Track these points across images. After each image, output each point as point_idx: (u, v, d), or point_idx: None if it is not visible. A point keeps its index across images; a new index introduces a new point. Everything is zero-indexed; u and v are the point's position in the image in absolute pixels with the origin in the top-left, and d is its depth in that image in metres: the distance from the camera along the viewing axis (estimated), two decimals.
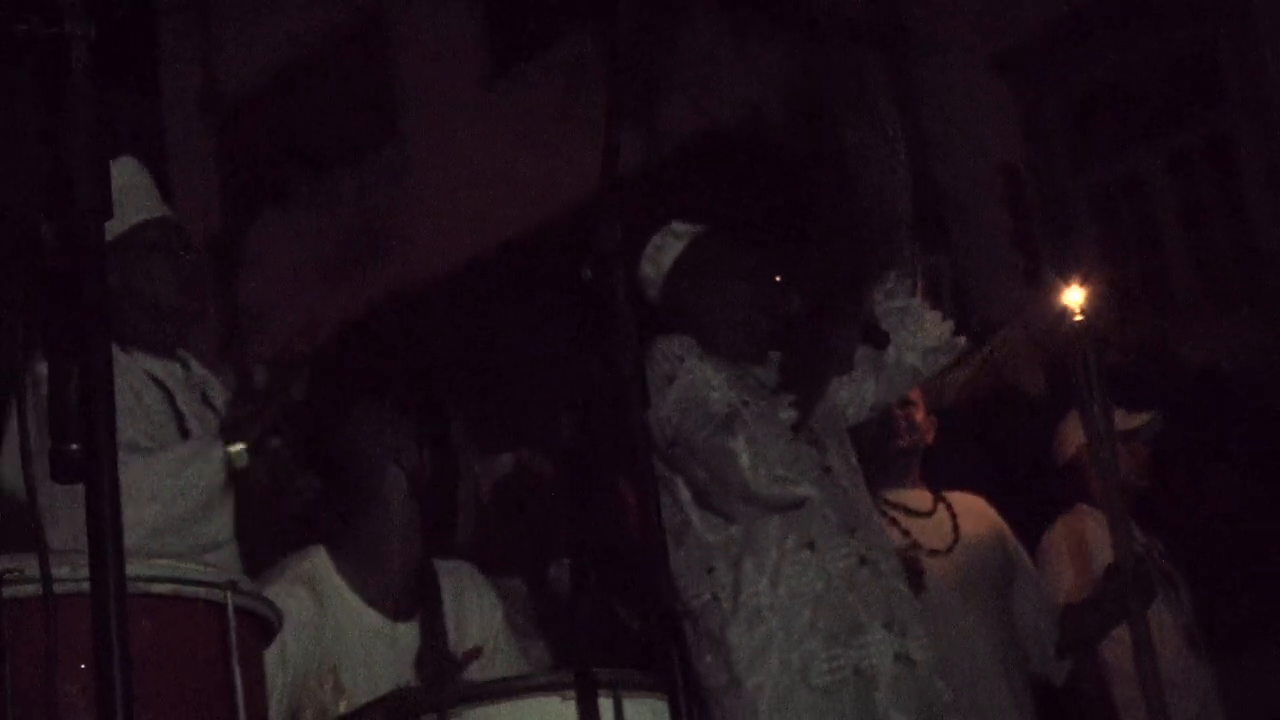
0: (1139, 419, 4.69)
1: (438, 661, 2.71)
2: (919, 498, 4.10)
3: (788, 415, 3.27)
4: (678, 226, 3.55)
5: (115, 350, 2.98)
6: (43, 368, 1.55)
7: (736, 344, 3.43)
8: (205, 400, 2.97)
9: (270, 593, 2.23)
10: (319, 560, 2.72)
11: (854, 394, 3.54)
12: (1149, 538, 4.59)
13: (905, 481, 4.09)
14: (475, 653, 2.76)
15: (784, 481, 3.23)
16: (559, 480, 3.53)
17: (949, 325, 3.56)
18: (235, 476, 2.66)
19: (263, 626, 1.96)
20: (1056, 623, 4.08)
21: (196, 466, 2.65)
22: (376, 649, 2.67)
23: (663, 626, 2.05)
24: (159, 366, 2.97)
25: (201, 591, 1.78)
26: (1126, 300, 7.28)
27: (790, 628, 3.22)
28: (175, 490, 2.62)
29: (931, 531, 4.02)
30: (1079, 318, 4.00)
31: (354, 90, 10.81)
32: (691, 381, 3.30)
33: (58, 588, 1.65)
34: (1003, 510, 4.23)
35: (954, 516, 4.09)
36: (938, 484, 4.15)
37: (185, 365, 3.03)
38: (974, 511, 4.15)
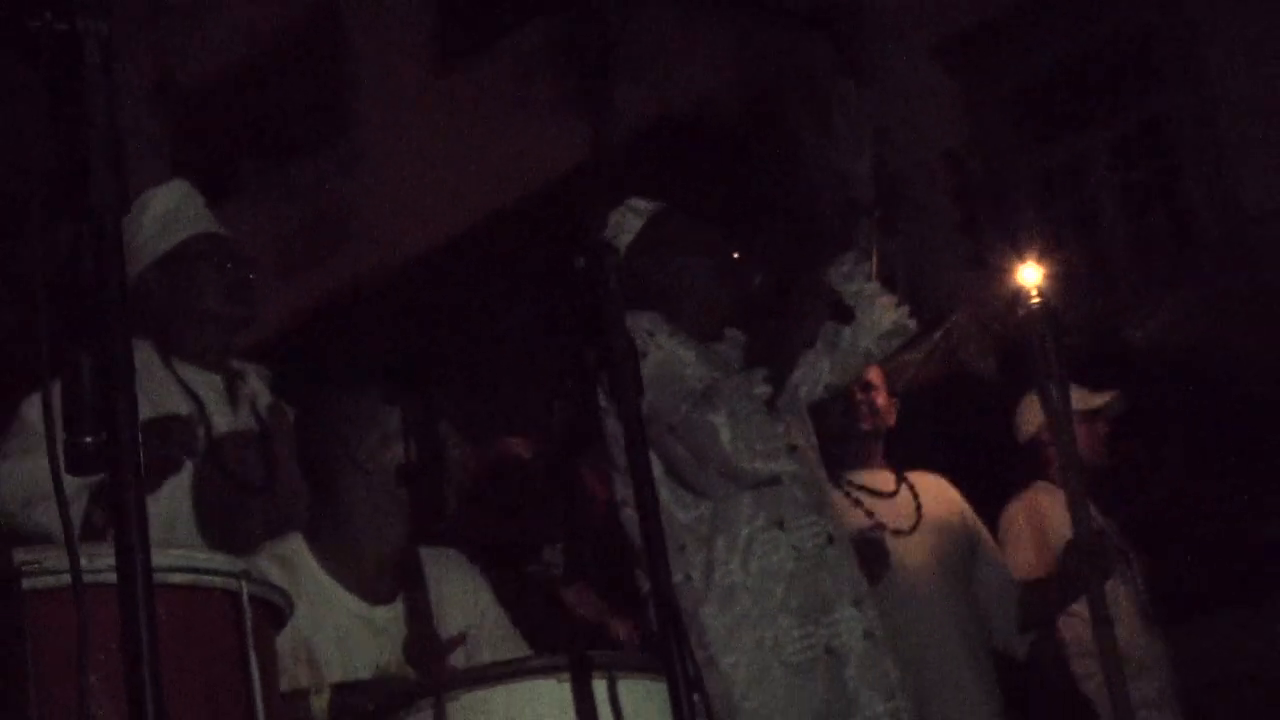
0: (1101, 398, 4.76)
1: (423, 646, 2.73)
2: (882, 479, 4.15)
3: (762, 390, 3.26)
4: (636, 203, 3.51)
5: (154, 359, 3.07)
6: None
7: (698, 320, 3.42)
8: (255, 412, 3.08)
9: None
10: (296, 545, 2.76)
11: (808, 374, 3.51)
12: (1105, 517, 4.67)
13: (869, 463, 4.15)
14: (460, 639, 2.78)
15: (765, 456, 3.22)
16: (551, 465, 3.55)
17: (904, 310, 3.57)
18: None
19: (275, 614, 1.97)
20: (1017, 599, 4.15)
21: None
22: (352, 631, 2.69)
23: (662, 616, 2.08)
24: (200, 377, 3.11)
25: (217, 580, 1.80)
26: (1070, 283, 7.37)
27: (763, 606, 3.23)
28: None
29: (895, 512, 4.08)
30: (1036, 298, 4.07)
31: (308, 80, 10.74)
32: (665, 357, 3.28)
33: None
34: (960, 490, 4.30)
35: (916, 497, 4.14)
36: (898, 465, 4.22)
37: (240, 378, 3.14)
38: (936, 492, 4.21)
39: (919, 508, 4.12)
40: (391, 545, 2.79)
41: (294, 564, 2.70)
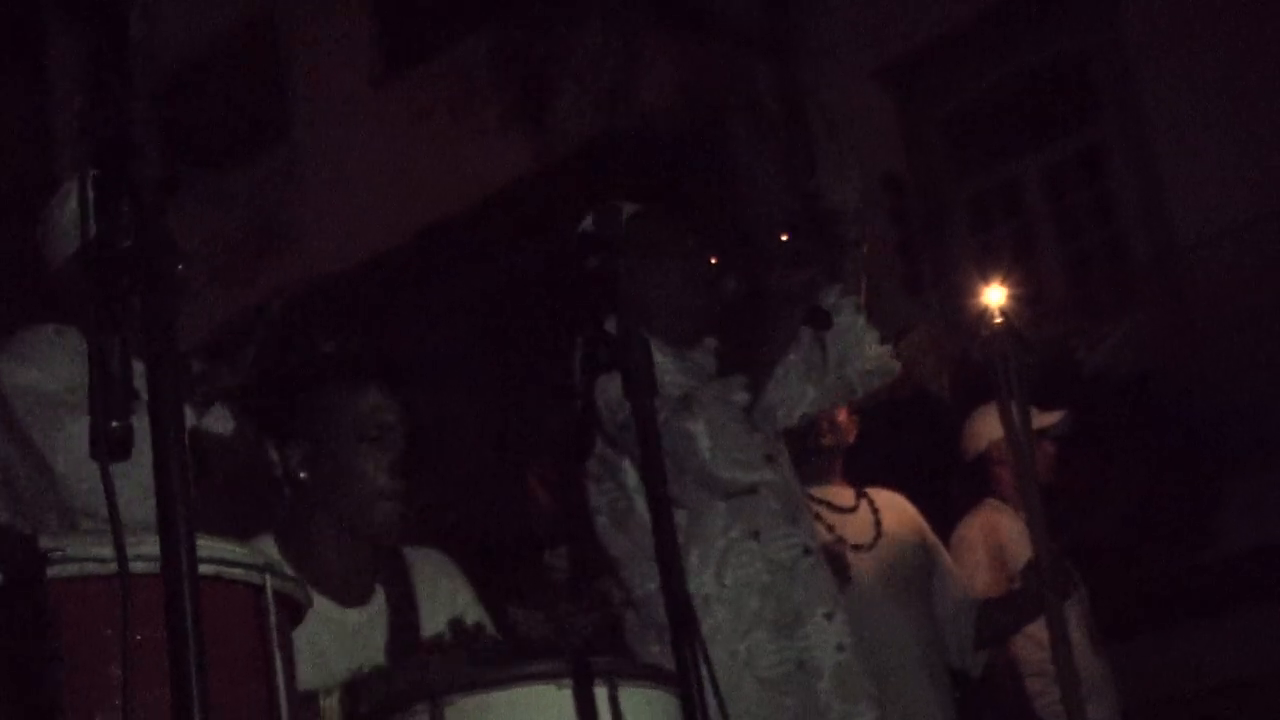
0: (1050, 417, 4.79)
1: (406, 647, 2.70)
2: (842, 494, 4.15)
3: (740, 398, 3.22)
4: (615, 204, 3.34)
5: (84, 345, 2.99)
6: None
7: (672, 326, 3.36)
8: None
9: None
10: (266, 546, 2.72)
11: (787, 396, 3.40)
12: (1054, 536, 4.70)
13: (829, 478, 4.14)
14: (441, 639, 2.74)
15: (743, 465, 3.18)
16: (554, 467, 3.51)
17: (887, 349, 3.50)
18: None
19: (295, 609, 1.93)
20: (973, 617, 4.17)
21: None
22: (323, 633, 2.66)
23: (678, 627, 2.06)
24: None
25: (240, 573, 1.75)
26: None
27: (738, 618, 3.21)
28: None
29: (855, 527, 4.08)
30: (998, 319, 4.10)
31: (245, 89, 10.66)
32: None
33: (100, 569, 1.62)
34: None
35: (876, 512, 4.15)
36: (857, 481, 4.22)
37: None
38: (895, 508, 4.22)
39: (878, 523, 4.13)
40: (359, 547, 2.76)
41: None
